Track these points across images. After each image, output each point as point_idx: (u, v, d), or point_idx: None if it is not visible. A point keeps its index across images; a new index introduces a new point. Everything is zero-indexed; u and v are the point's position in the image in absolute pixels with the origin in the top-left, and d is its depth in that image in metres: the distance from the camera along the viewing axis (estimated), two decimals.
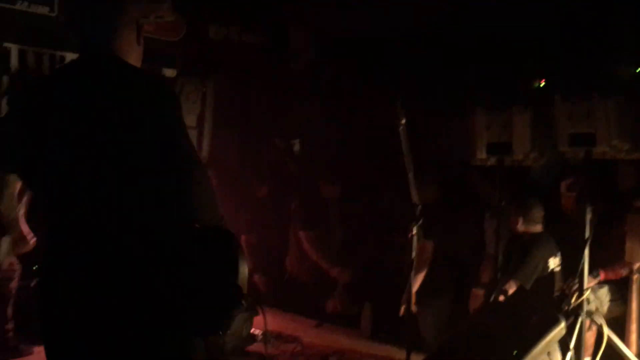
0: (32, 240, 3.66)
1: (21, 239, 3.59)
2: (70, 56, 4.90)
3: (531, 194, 4.03)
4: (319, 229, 5.15)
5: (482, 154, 3.53)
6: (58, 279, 1.73)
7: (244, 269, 1.69)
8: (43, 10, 4.69)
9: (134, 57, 1.80)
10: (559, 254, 3.98)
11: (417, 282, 4.31)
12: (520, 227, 3.94)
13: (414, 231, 3.16)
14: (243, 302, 1.65)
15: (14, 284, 3.88)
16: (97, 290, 1.66)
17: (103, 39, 1.76)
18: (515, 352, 2.88)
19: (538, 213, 3.95)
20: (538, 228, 3.96)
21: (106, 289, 1.65)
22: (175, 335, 1.67)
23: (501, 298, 3.65)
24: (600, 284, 3.68)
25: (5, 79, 4.54)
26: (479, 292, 4.10)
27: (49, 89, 1.76)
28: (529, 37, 4.16)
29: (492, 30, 4.30)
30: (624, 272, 3.58)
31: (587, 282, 3.33)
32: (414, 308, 4.21)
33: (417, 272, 4.30)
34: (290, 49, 5.90)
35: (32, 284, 4.28)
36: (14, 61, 4.65)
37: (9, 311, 3.87)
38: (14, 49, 4.66)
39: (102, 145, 1.65)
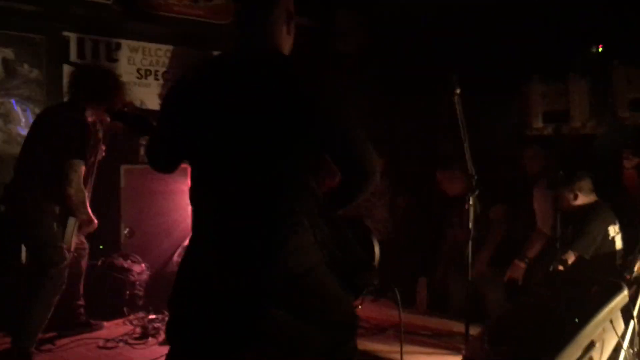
0: (95, 221, 3.81)
1: (87, 220, 3.75)
2: (125, 43, 5.05)
3: (582, 167, 3.94)
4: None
5: (538, 123, 3.48)
6: (206, 252, 1.82)
7: (378, 252, 1.83)
8: None
9: (287, 47, 1.92)
10: (617, 221, 3.90)
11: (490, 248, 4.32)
12: (572, 201, 3.90)
13: (471, 202, 3.16)
14: (375, 281, 1.80)
15: (84, 262, 4.06)
16: (241, 264, 1.75)
17: (262, 35, 1.87)
18: (576, 319, 2.85)
19: (586, 185, 3.88)
20: (592, 198, 3.90)
21: (256, 261, 1.74)
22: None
23: (560, 268, 3.61)
24: None
25: (65, 67, 4.71)
26: (520, 264, 4.08)
27: (209, 81, 1.85)
28: (585, 2, 4.04)
29: None
30: None
31: None
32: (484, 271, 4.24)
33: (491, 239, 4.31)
34: (338, 31, 5.89)
35: (99, 263, 4.48)
36: (72, 49, 4.81)
37: (80, 288, 4.05)
38: (72, 37, 4.82)
39: (262, 128, 1.74)
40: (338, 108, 1.79)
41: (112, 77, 3.88)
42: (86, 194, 3.70)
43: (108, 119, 3.79)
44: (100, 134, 3.88)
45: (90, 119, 3.68)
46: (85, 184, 3.73)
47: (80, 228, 3.75)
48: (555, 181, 3.79)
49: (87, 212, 3.72)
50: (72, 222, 3.65)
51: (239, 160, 1.76)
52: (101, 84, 3.76)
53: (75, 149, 3.52)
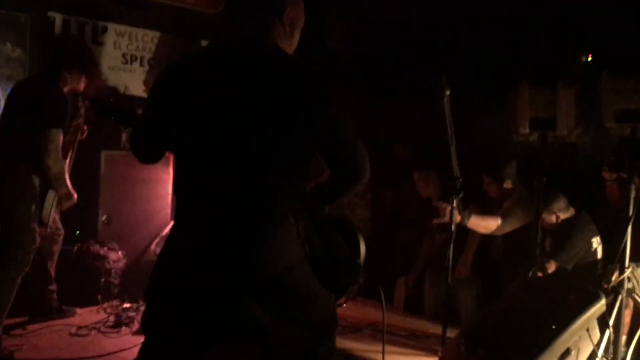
0: (75, 195, 3.74)
1: (66, 194, 3.68)
2: (112, 27, 4.97)
3: (551, 186, 3.97)
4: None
5: (524, 129, 3.48)
6: (188, 243, 1.79)
7: (364, 250, 1.82)
8: None
9: (286, 45, 1.91)
10: (598, 232, 3.95)
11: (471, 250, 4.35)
12: (554, 222, 3.94)
13: (454, 204, 3.16)
14: (360, 280, 1.78)
15: (57, 248, 3.99)
16: (221, 258, 1.72)
17: (260, 32, 1.86)
18: (553, 326, 2.86)
19: (562, 203, 3.92)
20: (571, 212, 3.94)
21: (236, 257, 1.71)
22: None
23: (539, 274, 3.63)
24: (639, 263, 3.64)
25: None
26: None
27: (201, 70, 1.82)
28: (576, 11, 4.07)
29: (538, 4, 4.22)
30: None
31: None
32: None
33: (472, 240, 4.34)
34: (328, 32, 5.87)
35: (74, 249, 4.42)
36: (57, 29, 4.73)
37: (51, 273, 3.98)
38: (58, 17, 4.73)
39: (253, 120, 1.71)
40: (332, 106, 1.77)
41: (90, 50, 3.87)
42: (66, 166, 3.64)
43: (82, 88, 3.74)
44: (82, 111, 3.82)
45: (66, 89, 3.62)
46: (64, 157, 3.67)
47: (59, 202, 3.68)
48: (540, 190, 3.79)
49: (66, 184, 3.65)
50: (51, 195, 3.58)
51: (224, 153, 1.73)
52: (81, 52, 3.77)
53: (51, 118, 3.44)
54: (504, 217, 4.05)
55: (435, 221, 3.83)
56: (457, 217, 3.33)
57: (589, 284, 3.22)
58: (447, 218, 3.25)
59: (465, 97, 3.61)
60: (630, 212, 3.20)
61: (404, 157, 5.47)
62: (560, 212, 3.94)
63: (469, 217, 3.75)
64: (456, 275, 4.29)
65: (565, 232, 3.92)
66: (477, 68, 4.64)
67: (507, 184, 4.24)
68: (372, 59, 5.64)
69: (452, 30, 4.78)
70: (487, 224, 4.00)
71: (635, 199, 3.16)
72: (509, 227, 4.07)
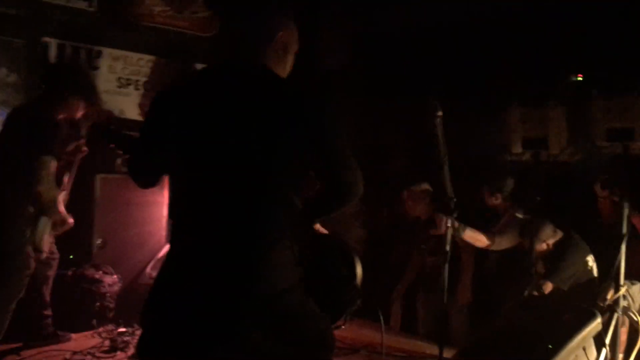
0: (70, 221, 3.73)
1: (60, 219, 3.67)
2: (107, 51, 5.00)
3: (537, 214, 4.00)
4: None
5: (517, 149, 3.52)
6: (186, 265, 1.78)
7: (360, 271, 1.82)
8: (82, 5, 4.77)
9: (279, 69, 1.92)
10: (590, 250, 3.96)
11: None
12: (546, 248, 3.95)
13: (449, 224, 3.16)
14: (358, 301, 1.79)
15: (51, 272, 3.96)
16: (221, 282, 1.71)
17: (255, 55, 1.87)
18: (550, 346, 2.86)
19: (549, 229, 3.94)
20: (559, 235, 3.95)
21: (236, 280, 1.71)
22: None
23: (535, 294, 3.63)
24: (633, 281, 3.65)
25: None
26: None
27: (197, 91, 1.84)
28: (566, 31, 4.12)
29: (528, 24, 4.27)
30: None
31: None
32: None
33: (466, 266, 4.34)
34: (323, 47, 5.92)
35: (69, 273, 4.39)
36: (52, 55, 4.75)
37: (46, 298, 3.96)
38: (53, 43, 4.76)
39: (250, 140, 1.72)
40: (326, 123, 1.78)
41: (88, 76, 3.89)
42: (59, 192, 3.62)
43: (79, 115, 3.74)
44: (84, 132, 3.83)
45: (61, 116, 3.63)
46: (59, 183, 3.66)
47: (53, 227, 3.67)
48: (533, 209, 3.82)
49: (59, 210, 3.63)
50: (44, 220, 3.57)
51: (222, 174, 1.74)
52: (78, 78, 3.79)
53: (43, 145, 3.43)
54: (500, 234, 4.06)
55: (432, 232, 3.83)
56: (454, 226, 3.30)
57: (586, 302, 3.22)
58: (443, 230, 3.23)
59: (458, 113, 3.66)
60: (624, 231, 3.22)
61: (399, 174, 5.47)
62: (549, 239, 3.95)
63: (464, 229, 3.75)
64: (458, 301, 4.28)
65: (558, 255, 3.92)
66: (469, 86, 4.68)
67: (497, 199, 4.26)
68: (366, 75, 5.68)
69: (443, 49, 4.83)
70: (483, 239, 4.00)
71: (628, 217, 3.18)
72: (505, 244, 4.08)
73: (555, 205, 4.04)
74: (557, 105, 3.43)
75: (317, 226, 2.00)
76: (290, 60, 1.96)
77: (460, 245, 4.21)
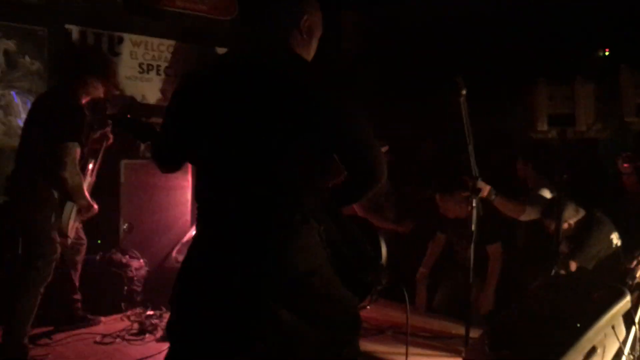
0: (95, 207, 3.77)
1: (86, 205, 3.71)
2: (128, 37, 5.03)
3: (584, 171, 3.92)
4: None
5: (543, 126, 3.46)
6: (208, 251, 1.80)
7: (385, 251, 1.83)
8: None
9: (304, 52, 1.93)
10: (615, 228, 3.89)
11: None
12: (568, 227, 3.89)
13: (474, 203, 3.14)
14: (384, 281, 1.80)
15: (79, 257, 4.03)
16: (246, 263, 1.73)
17: (276, 38, 1.89)
18: (578, 324, 2.83)
19: (571, 209, 3.86)
20: (581, 213, 3.88)
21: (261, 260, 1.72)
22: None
23: (562, 272, 3.59)
24: None
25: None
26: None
27: (219, 77, 1.85)
28: (592, 5, 4.03)
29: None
30: None
31: None
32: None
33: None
34: (342, 32, 5.87)
35: (97, 258, 4.46)
36: (74, 42, 4.78)
37: (76, 282, 4.02)
38: (75, 30, 4.80)
39: (272, 125, 1.73)
40: (348, 109, 1.77)
41: (105, 56, 3.92)
42: (82, 178, 3.66)
43: (102, 95, 3.77)
44: (109, 121, 3.87)
45: (84, 101, 3.65)
46: (83, 169, 3.70)
47: (79, 213, 3.72)
48: (560, 186, 3.76)
49: (85, 196, 3.67)
50: (69, 206, 3.61)
51: (244, 158, 1.74)
52: (96, 59, 3.85)
53: (68, 131, 3.47)
54: (530, 204, 4.00)
55: (463, 194, 3.77)
56: (485, 190, 3.25)
57: (613, 280, 3.18)
58: (473, 192, 3.16)
59: (482, 93, 3.61)
60: None
61: (429, 157, 5.44)
62: (571, 219, 3.89)
63: (495, 195, 3.69)
64: (480, 311, 4.23)
65: (581, 234, 3.86)
66: (493, 65, 4.61)
67: (528, 169, 4.19)
68: (388, 58, 5.63)
69: (468, 27, 4.75)
70: (515, 207, 3.94)
71: None
72: (534, 215, 4.02)
73: (582, 182, 3.97)
74: (584, 81, 3.35)
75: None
76: (314, 44, 1.96)
77: (489, 252, 4.18)
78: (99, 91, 3.74)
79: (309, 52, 1.96)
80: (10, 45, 4.54)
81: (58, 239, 3.59)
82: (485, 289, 4.28)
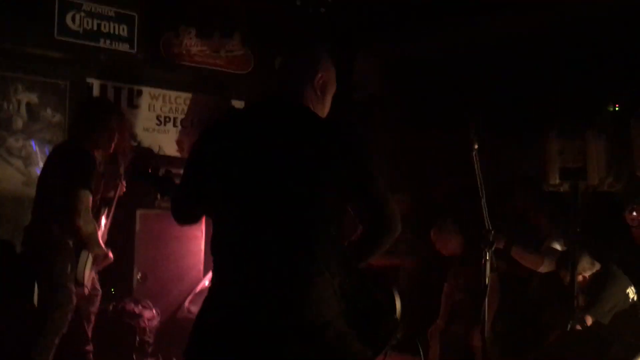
0: (110, 255, 3.80)
1: (101, 254, 3.74)
2: (147, 90, 5.15)
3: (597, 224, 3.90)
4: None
5: (555, 180, 3.46)
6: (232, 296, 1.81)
7: (399, 305, 1.84)
8: (124, 47, 4.96)
9: (318, 109, 1.98)
10: (631, 282, 3.84)
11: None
12: (583, 279, 3.86)
13: (487, 257, 3.11)
14: (397, 335, 1.80)
15: (94, 309, 4.02)
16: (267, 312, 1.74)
17: (294, 93, 1.96)
18: None
19: (586, 261, 3.83)
20: (597, 267, 3.85)
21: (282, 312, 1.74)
22: None
23: (578, 327, 3.53)
24: None
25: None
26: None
27: (239, 129, 1.91)
28: (603, 60, 4.08)
29: (565, 53, 4.24)
30: None
31: None
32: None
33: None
34: (355, 78, 5.94)
35: (110, 307, 4.46)
36: (95, 95, 4.91)
37: (88, 334, 4.01)
38: (96, 83, 4.93)
39: (291, 176, 1.78)
40: (365, 160, 1.81)
41: (116, 110, 3.98)
42: (97, 226, 3.70)
43: (111, 149, 3.84)
44: (122, 170, 3.93)
45: (97, 152, 3.72)
46: (96, 218, 3.74)
47: (94, 262, 3.74)
48: (573, 239, 3.73)
49: (99, 244, 3.70)
50: (84, 255, 3.63)
51: (264, 209, 1.77)
52: (108, 113, 3.85)
53: (79, 179, 3.52)
54: (547, 256, 3.96)
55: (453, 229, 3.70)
56: (501, 243, 3.21)
57: (630, 335, 3.13)
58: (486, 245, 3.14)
59: (495, 143, 3.64)
60: None
61: (442, 199, 5.42)
62: (586, 272, 3.85)
63: (513, 245, 3.64)
64: (472, 346, 4.16)
65: (597, 287, 3.81)
66: (506, 114, 4.64)
67: (542, 217, 4.17)
68: (401, 103, 5.68)
69: (480, 77, 4.81)
70: (533, 259, 3.91)
71: None
72: (551, 267, 3.98)
73: (595, 236, 3.95)
74: (596, 135, 3.38)
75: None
76: (328, 101, 2.02)
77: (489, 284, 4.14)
78: (112, 145, 3.82)
79: (324, 108, 2.01)
80: (33, 98, 4.67)
81: (74, 290, 3.61)
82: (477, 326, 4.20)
